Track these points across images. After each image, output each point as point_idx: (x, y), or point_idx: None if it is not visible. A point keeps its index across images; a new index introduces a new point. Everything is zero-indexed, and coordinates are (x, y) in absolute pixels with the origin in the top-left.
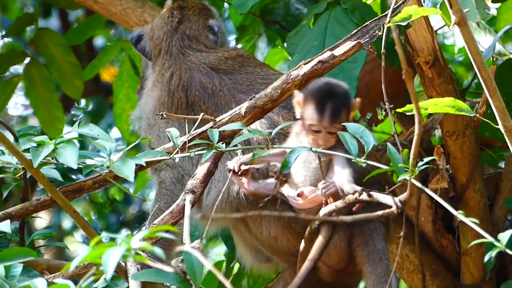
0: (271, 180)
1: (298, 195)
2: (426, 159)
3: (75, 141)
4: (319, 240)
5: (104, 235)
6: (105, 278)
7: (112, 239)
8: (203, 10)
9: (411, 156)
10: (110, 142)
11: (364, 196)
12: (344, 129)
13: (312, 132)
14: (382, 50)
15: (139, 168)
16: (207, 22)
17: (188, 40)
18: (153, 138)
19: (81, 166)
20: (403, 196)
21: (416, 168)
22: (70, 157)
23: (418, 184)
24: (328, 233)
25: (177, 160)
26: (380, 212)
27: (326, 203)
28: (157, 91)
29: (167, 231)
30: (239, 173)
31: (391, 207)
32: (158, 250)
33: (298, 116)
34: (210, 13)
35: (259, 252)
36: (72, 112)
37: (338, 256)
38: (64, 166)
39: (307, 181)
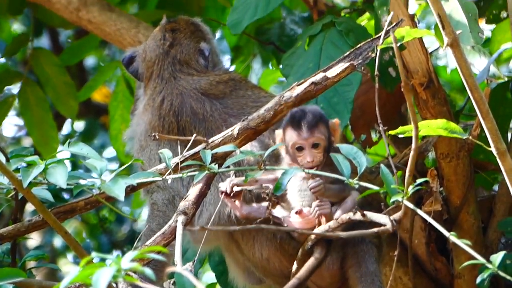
0: (264, 204)
1: (297, 212)
2: (419, 181)
3: (67, 161)
4: (311, 260)
5: (95, 255)
6: None
7: (103, 260)
8: (195, 32)
9: (407, 173)
10: (101, 162)
11: (358, 216)
12: (337, 149)
13: (297, 154)
14: (376, 72)
15: (131, 189)
16: (198, 46)
17: (179, 64)
18: (144, 160)
19: (71, 186)
20: (397, 215)
21: (409, 190)
22: (60, 177)
23: (411, 206)
24: (321, 254)
25: (169, 181)
26: (375, 229)
27: (319, 224)
28: (148, 114)
29: (158, 252)
30: (231, 194)
31: (385, 226)
32: (148, 271)
33: (284, 154)
34: (202, 34)
35: (251, 273)
36: (65, 132)
37: (330, 277)
38: (56, 186)
39: (304, 207)
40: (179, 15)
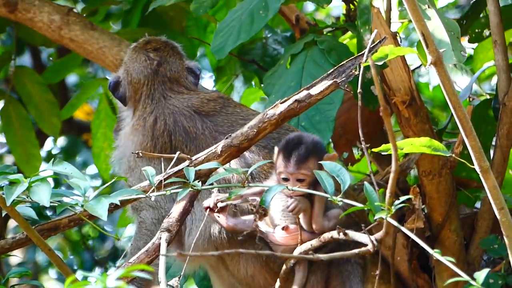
0: (250, 217)
1: (283, 228)
2: (402, 198)
3: (50, 179)
4: (298, 278)
5: (80, 274)
6: None
7: (86, 278)
8: (173, 49)
9: (388, 194)
10: (84, 180)
11: (340, 235)
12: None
13: (282, 182)
14: (359, 90)
15: (115, 207)
16: (184, 63)
17: (169, 82)
18: (134, 180)
19: (55, 204)
20: (378, 235)
21: (392, 207)
22: (43, 195)
23: (394, 223)
24: (303, 273)
25: (153, 199)
26: (356, 250)
27: (302, 242)
28: (139, 135)
29: (142, 270)
30: (216, 210)
31: (367, 245)
32: None
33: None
34: (178, 51)
35: None
36: (47, 149)
37: None
38: (40, 204)
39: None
40: (154, 36)
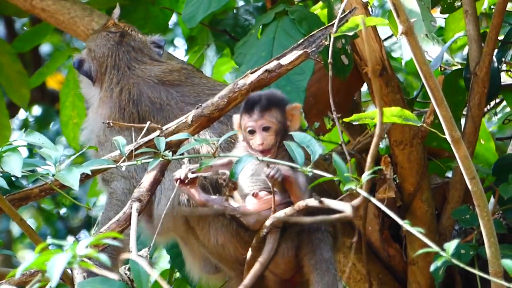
0: (220, 196)
1: (253, 195)
2: (373, 169)
3: (24, 149)
4: (267, 249)
5: (51, 242)
6: (50, 286)
7: (59, 246)
8: (133, 27)
9: (368, 159)
10: (55, 151)
11: (315, 202)
12: (292, 137)
13: (249, 136)
14: (329, 60)
15: (86, 177)
16: (147, 38)
17: (133, 51)
18: (105, 154)
19: (26, 174)
20: (356, 202)
21: (363, 178)
22: (15, 165)
23: (365, 194)
24: (273, 244)
25: (123, 169)
26: (337, 215)
27: (275, 211)
28: (106, 108)
29: (113, 238)
30: (186, 182)
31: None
32: (103, 257)
33: (241, 139)
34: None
35: (207, 262)
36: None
37: (285, 265)
38: (11, 174)
39: (257, 191)
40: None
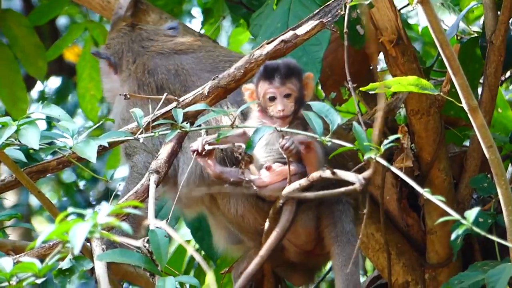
0: (236, 169)
1: (266, 168)
2: (391, 138)
3: (42, 121)
4: (283, 220)
5: (71, 211)
6: (70, 259)
7: (79, 215)
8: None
9: (376, 133)
10: (72, 123)
11: (328, 173)
12: (309, 107)
13: (268, 103)
14: (345, 29)
15: (103, 149)
16: (162, 26)
17: (146, 33)
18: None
19: (44, 147)
20: (366, 174)
21: (382, 146)
22: (32, 138)
23: (384, 162)
24: (289, 215)
25: (141, 141)
26: (342, 189)
27: (290, 182)
28: (126, 86)
29: (134, 207)
30: (203, 153)
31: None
32: (125, 225)
33: (255, 110)
34: None
35: (231, 233)
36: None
37: (306, 236)
38: (29, 147)
39: (271, 162)
40: None
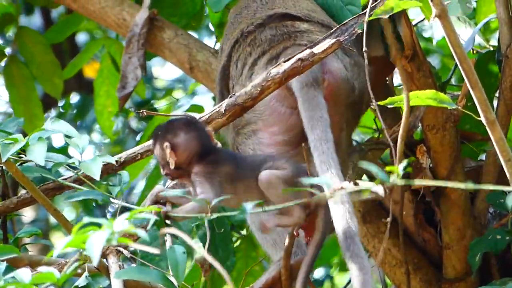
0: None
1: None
2: (409, 159)
3: (61, 137)
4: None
5: (87, 220)
6: (86, 276)
7: (96, 224)
8: None
9: (397, 155)
10: (80, 139)
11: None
12: None
13: None
14: (364, 48)
15: (119, 165)
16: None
17: None
18: None
19: (51, 162)
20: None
21: (401, 171)
22: (38, 154)
23: (403, 182)
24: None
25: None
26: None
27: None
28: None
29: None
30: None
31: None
32: (142, 233)
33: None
34: None
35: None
36: (58, 106)
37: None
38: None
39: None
40: None
